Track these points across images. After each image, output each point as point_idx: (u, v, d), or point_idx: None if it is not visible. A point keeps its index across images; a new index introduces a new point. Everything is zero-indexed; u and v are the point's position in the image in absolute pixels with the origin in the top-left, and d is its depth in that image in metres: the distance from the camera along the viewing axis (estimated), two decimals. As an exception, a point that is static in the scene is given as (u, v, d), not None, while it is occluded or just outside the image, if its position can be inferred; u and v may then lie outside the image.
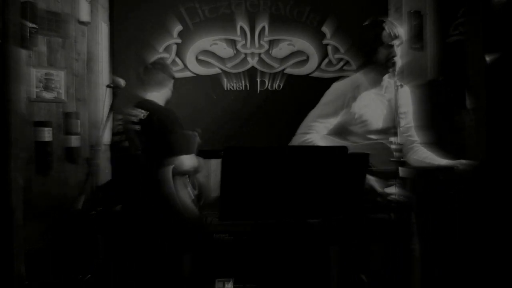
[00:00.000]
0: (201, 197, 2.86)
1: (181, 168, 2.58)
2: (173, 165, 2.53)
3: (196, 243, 2.86)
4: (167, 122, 2.58)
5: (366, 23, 2.15)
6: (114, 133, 2.71)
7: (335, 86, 2.18)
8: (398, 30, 2.10)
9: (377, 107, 2.14)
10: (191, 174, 2.76)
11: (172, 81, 2.83)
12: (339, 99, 2.11)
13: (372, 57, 2.11)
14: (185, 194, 2.63)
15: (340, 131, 2.14)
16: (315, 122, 2.12)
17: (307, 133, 2.11)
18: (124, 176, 2.74)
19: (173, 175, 2.54)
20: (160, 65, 2.81)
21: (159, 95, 2.74)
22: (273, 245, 2.93)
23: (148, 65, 2.83)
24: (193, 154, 2.70)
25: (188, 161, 2.62)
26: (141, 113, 2.59)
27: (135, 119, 2.58)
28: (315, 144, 2.04)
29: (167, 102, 2.83)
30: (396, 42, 2.08)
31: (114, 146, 2.73)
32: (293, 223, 2.73)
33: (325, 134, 2.11)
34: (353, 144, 2.06)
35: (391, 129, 2.10)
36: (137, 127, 2.56)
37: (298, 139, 2.12)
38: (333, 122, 2.12)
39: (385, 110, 2.15)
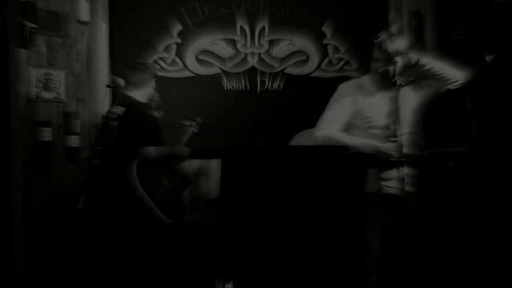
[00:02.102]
0: (184, 185, 2.96)
1: (151, 158, 2.64)
2: (138, 159, 2.58)
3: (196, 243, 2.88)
4: (141, 117, 2.72)
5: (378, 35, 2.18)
6: (98, 134, 2.79)
7: (341, 86, 2.27)
8: (401, 43, 2.12)
9: (380, 105, 2.18)
10: (166, 161, 2.80)
11: (154, 80, 2.92)
12: (346, 96, 2.21)
13: (376, 64, 2.16)
14: (157, 184, 2.66)
15: (347, 126, 2.23)
16: (328, 118, 2.22)
17: (321, 129, 2.22)
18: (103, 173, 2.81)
19: (143, 167, 2.57)
20: (142, 66, 2.91)
21: (140, 94, 2.83)
22: (273, 245, 2.93)
23: (130, 65, 2.91)
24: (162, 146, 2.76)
25: (153, 150, 2.68)
26: (120, 110, 2.65)
27: (114, 116, 2.66)
28: (329, 133, 2.16)
29: (150, 100, 2.91)
30: (400, 56, 2.11)
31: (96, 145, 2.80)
32: (293, 223, 2.73)
33: (338, 129, 2.20)
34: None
35: (392, 125, 2.13)
36: (115, 123, 2.65)
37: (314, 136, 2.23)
38: (343, 117, 2.21)
39: (387, 108, 2.17)
